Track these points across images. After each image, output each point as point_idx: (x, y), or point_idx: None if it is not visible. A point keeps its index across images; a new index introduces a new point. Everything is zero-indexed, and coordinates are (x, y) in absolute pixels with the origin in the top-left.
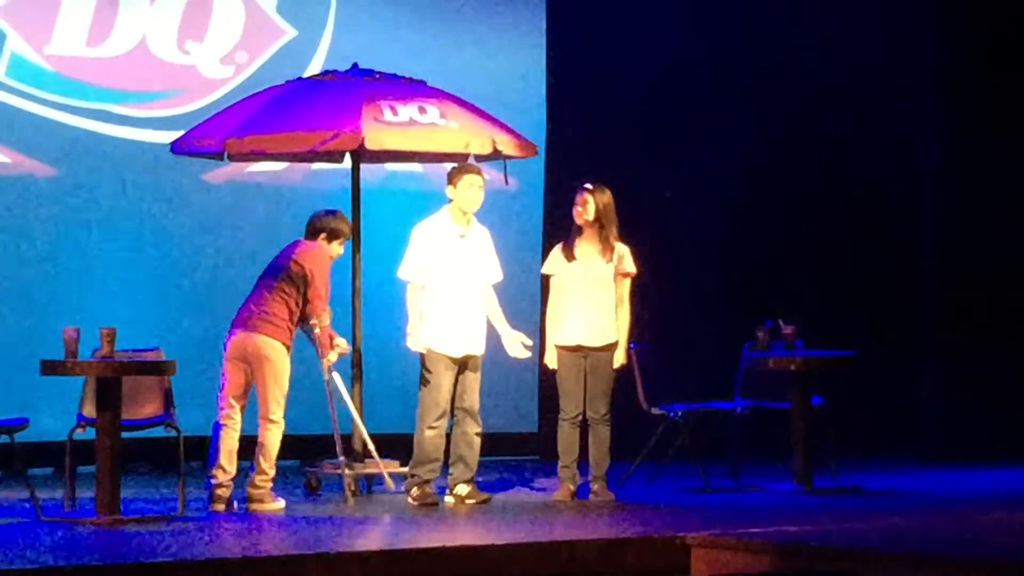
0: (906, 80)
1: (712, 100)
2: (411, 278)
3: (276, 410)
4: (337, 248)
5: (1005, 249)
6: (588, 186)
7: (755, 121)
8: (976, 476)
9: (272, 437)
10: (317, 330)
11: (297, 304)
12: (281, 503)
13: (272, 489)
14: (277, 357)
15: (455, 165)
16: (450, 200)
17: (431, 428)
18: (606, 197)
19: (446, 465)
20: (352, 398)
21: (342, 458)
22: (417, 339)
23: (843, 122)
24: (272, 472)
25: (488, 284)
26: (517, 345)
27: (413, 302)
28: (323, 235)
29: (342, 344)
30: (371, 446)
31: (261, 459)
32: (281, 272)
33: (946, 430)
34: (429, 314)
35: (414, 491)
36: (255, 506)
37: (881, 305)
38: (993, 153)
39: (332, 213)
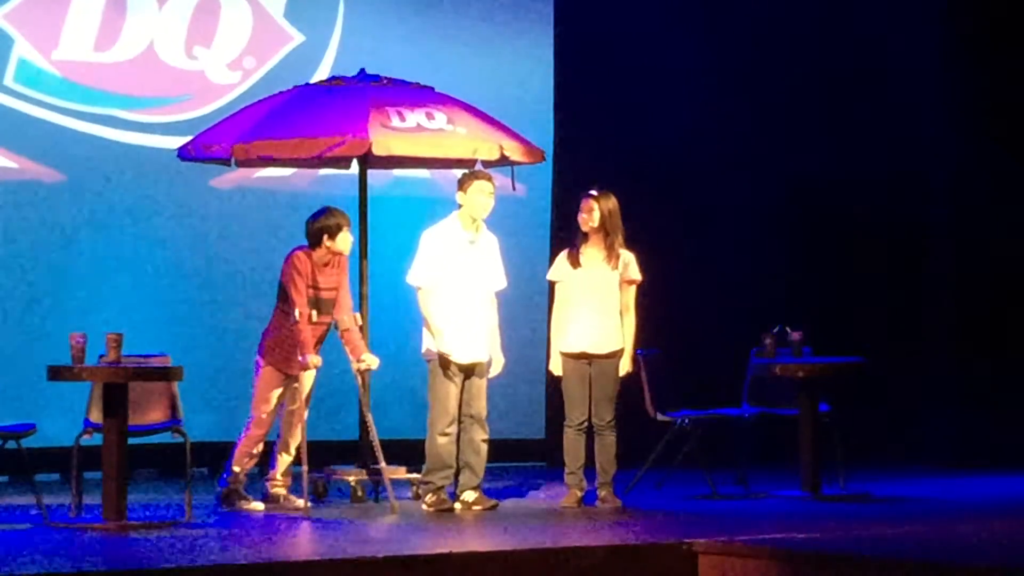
0: (917, 85)
1: (721, 106)
2: (421, 283)
3: (251, 417)
4: (343, 241)
5: (1016, 255)
6: (593, 193)
7: (764, 129)
8: (985, 483)
9: (243, 438)
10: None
11: (291, 314)
12: (257, 505)
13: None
14: (255, 372)
15: (466, 171)
16: (459, 206)
17: (443, 435)
18: (611, 204)
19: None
20: (364, 404)
21: (304, 467)
22: (444, 342)
23: (852, 128)
24: (236, 470)
25: (493, 291)
26: (496, 368)
27: (427, 308)
28: (325, 236)
29: (368, 361)
30: (379, 452)
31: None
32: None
33: (955, 437)
34: (436, 320)
35: (429, 497)
36: (224, 506)
37: (889, 311)
38: (1005, 156)
39: (321, 213)
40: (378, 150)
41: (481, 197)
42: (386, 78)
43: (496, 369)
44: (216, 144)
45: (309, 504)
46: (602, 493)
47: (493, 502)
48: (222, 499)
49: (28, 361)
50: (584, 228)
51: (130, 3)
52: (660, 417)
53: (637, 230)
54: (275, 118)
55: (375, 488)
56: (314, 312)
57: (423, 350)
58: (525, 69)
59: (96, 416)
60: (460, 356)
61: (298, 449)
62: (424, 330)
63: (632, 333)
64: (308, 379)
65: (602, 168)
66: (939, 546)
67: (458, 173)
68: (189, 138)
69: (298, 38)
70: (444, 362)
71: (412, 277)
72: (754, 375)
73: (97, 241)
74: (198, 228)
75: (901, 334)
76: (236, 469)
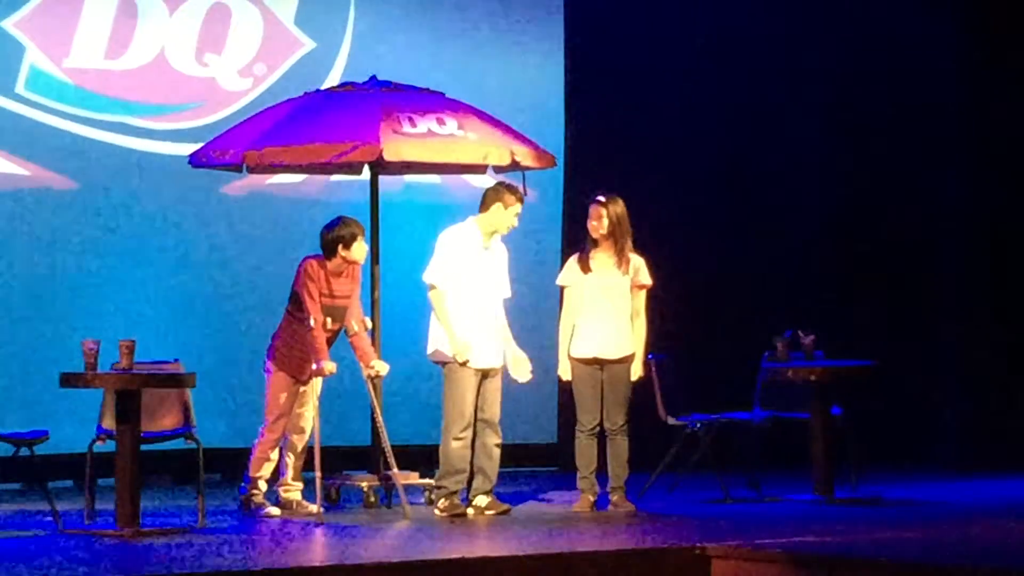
0: (922, 84)
1: (732, 112)
2: (436, 281)
3: (265, 422)
4: (358, 250)
5: None
6: (601, 199)
7: (774, 131)
8: (997, 486)
9: (257, 444)
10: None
11: (305, 321)
12: (275, 511)
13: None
14: (266, 378)
15: (510, 184)
16: (480, 213)
17: (457, 440)
18: (619, 208)
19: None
20: (376, 409)
21: (317, 473)
22: (458, 343)
23: (859, 127)
24: (255, 476)
25: (501, 299)
26: (523, 368)
27: (442, 307)
28: (340, 246)
29: (378, 367)
30: (391, 458)
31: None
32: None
33: (967, 440)
34: (452, 319)
35: (442, 502)
36: (245, 513)
37: (901, 314)
38: (1013, 155)
39: (335, 223)
40: (389, 156)
41: (513, 218)
42: (397, 84)
43: (527, 367)
44: (228, 150)
45: (322, 510)
46: (614, 497)
47: (506, 507)
48: (243, 505)
49: (41, 368)
50: (594, 235)
51: (141, 10)
52: (672, 421)
53: (648, 234)
54: (286, 124)
55: (388, 493)
56: (328, 319)
57: (430, 351)
58: (536, 74)
59: (109, 423)
60: (476, 361)
61: (311, 453)
62: (431, 332)
63: (643, 337)
64: (316, 383)
65: (613, 172)
66: (952, 549)
67: (469, 178)
68: (200, 145)
69: (309, 44)
70: (455, 367)
71: (428, 275)
72: (766, 379)
73: (109, 248)
74: (210, 235)
75: (914, 337)
76: (254, 475)
